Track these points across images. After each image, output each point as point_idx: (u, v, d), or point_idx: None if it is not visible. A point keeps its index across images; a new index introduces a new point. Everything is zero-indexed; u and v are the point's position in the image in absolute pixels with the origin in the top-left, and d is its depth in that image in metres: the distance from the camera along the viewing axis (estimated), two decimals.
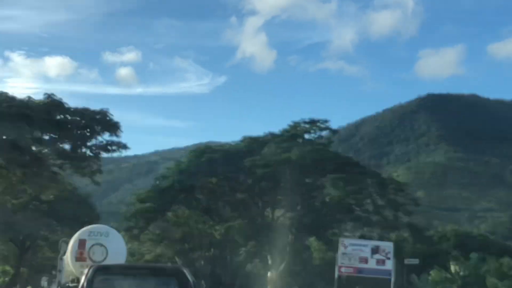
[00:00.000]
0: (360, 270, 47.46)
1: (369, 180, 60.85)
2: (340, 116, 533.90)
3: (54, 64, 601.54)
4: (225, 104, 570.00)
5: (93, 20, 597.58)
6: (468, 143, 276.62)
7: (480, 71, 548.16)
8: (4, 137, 33.78)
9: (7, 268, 78.41)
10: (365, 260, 47.28)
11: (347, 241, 49.31)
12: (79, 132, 36.41)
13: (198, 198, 66.44)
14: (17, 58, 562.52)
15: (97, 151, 36.93)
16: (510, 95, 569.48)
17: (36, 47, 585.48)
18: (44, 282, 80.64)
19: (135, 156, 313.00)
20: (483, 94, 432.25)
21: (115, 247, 27.07)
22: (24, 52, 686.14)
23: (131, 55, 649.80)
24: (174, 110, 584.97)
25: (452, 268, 62.01)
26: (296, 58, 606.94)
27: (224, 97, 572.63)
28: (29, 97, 36.39)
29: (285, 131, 64.63)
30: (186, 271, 14.76)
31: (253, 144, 64.85)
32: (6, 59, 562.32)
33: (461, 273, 60.49)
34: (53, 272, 67.53)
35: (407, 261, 58.28)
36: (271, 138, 64.85)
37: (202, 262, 70.77)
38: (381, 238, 66.01)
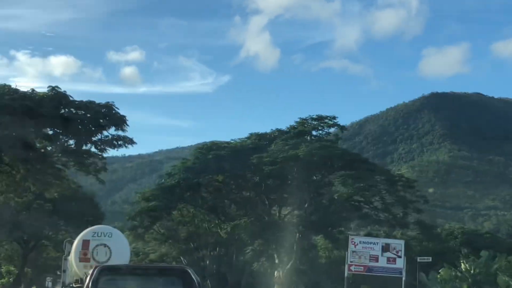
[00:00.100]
0: (370, 269, 46.42)
1: (377, 177, 59.89)
2: (344, 115, 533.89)
3: (59, 63, 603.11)
4: (229, 103, 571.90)
5: (97, 20, 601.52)
6: (472, 142, 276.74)
7: (484, 69, 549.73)
8: (6, 131, 32.72)
9: (12, 268, 77.78)
10: (376, 258, 46.22)
11: (356, 239, 48.21)
12: (84, 126, 35.35)
13: (204, 197, 65.50)
14: (22, 57, 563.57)
15: (102, 146, 35.83)
16: None
17: (41, 46, 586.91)
18: (48, 282, 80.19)
19: (139, 156, 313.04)
20: (487, 92, 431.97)
21: (118, 248, 26.67)
22: (29, 51, 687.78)
23: (135, 54, 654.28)
24: (178, 109, 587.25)
25: (463, 266, 60.89)
26: (300, 57, 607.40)
27: (228, 96, 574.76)
28: (33, 90, 35.40)
29: (292, 127, 63.78)
30: (190, 271, 14.87)
31: (260, 141, 64.07)
32: (11, 58, 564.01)
33: (472, 271, 59.38)
34: (58, 272, 67.07)
35: (419, 259, 57.37)
36: (278, 134, 64.01)
37: (208, 261, 70.04)
38: (387, 236, 65.28)
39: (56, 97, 34.20)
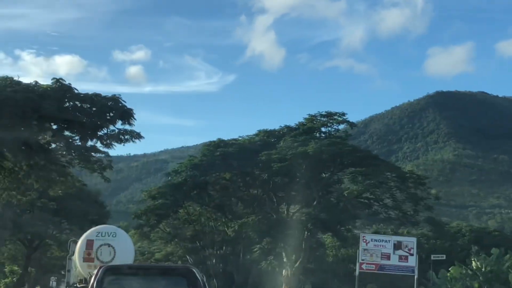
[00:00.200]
0: (382, 267, 45.51)
1: (388, 174, 58.81)
2: (349, 114, 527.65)
3: (64, 62, 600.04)
4: (235, 102, 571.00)
5: (103, 19, 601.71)
6: (476, 141, 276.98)
7: (489, 68, 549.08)
8: (8, 125, 31.60)
9: (15, 267, 76.98)
10: (388, 256, 45.31)
11: (368, 236, 47.40)
12: (89, 120, 34.21)
13: (211, 194, 64.57)
14: (26, 57, 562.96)
15: (109, 141, 34.68)
16: None
17: (46, 45, 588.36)
18: (53, 282, 79.55)
19: (144, 155, 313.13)
20: (491, 91, 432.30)
21: (122, 247, 27.02)
22: (33, 51, 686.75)
23: (140, 54, 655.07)
24: (184, 108, 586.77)
25: (474, 264, 59.91)
26: (305, 56, 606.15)
27: (234, 96, 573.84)
28: (36, 82, 34.29)
29: (301, 124, 62.73)
30: (195, 271, 14.74)
31: (268, 138, 63.09)
32: (16, 58, 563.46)
33: (483, 269, 58.40)
34: (62, 272, 66.52)
35: (433, 257, 56.62)
36: (286, 131, 62.98)
37: (214, 261, 69.15)
38: (394, 235, 64.28)
39: (61, 90, 33.04)
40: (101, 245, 26.59)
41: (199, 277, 14.42)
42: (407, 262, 45.28)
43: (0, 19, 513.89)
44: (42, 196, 57.81)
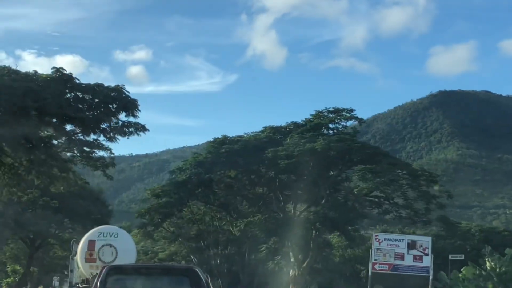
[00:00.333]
0: (396, 267, 43.95)
1: (399, 171, 57.29)
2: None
3: (65, 62, 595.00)
4: (236, 102, 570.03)
5: (104, 19, 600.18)
6: (480, 140, 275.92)
7: (492, 67, 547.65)
8: (6, 117, 30.12)
9: (17, 267, 75.99)
10: (401, 256, 43.76)
11: (381, 235, 45.82)
12: (92, 111, 32.71)
13: (216, 193, 63.17)
14: (27, 56, 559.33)
15: (112, 134, 33.17)
16: None
17: (47, 45, 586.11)
18: (55, 281, 78.59)
19: (146, 155, 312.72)
20: (495, 90, 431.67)
21: (124, 248, 27.25)
22: (35, 51, 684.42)
23: (142, 54, 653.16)
24: (185, 108, 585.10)
25: (488, 264, 58.30)
26: (307, 55, 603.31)
27: (235, 95, 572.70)
28: (36, 71, 32.77)
29: (308, 120, 61.30)
30: (198, 270, 14.76)
31: (274, 135, 61.66)
32: (17, 58, 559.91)
33: (498, 270, 56.80)
34: (65, 272, 65.48)
35: (451, 256, 55.20)
36: (293, 128, 61.54)
37: (219, 260, 67.98)
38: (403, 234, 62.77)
39: (61, 79, 31.50)
40: (103, 246, 26.69)
41: (202, 277, 14.40)
42: (422, 262, 43.76)
43: (1, 19, 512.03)
44: (44, 194, 56.91)
